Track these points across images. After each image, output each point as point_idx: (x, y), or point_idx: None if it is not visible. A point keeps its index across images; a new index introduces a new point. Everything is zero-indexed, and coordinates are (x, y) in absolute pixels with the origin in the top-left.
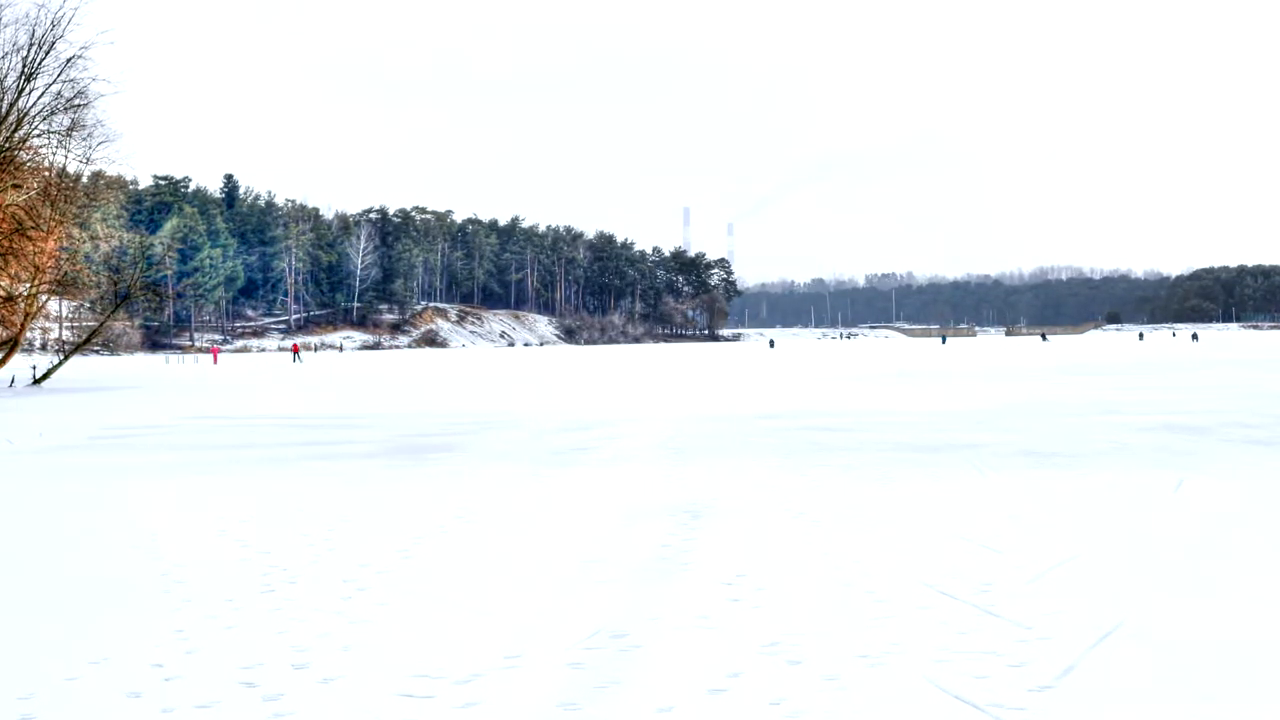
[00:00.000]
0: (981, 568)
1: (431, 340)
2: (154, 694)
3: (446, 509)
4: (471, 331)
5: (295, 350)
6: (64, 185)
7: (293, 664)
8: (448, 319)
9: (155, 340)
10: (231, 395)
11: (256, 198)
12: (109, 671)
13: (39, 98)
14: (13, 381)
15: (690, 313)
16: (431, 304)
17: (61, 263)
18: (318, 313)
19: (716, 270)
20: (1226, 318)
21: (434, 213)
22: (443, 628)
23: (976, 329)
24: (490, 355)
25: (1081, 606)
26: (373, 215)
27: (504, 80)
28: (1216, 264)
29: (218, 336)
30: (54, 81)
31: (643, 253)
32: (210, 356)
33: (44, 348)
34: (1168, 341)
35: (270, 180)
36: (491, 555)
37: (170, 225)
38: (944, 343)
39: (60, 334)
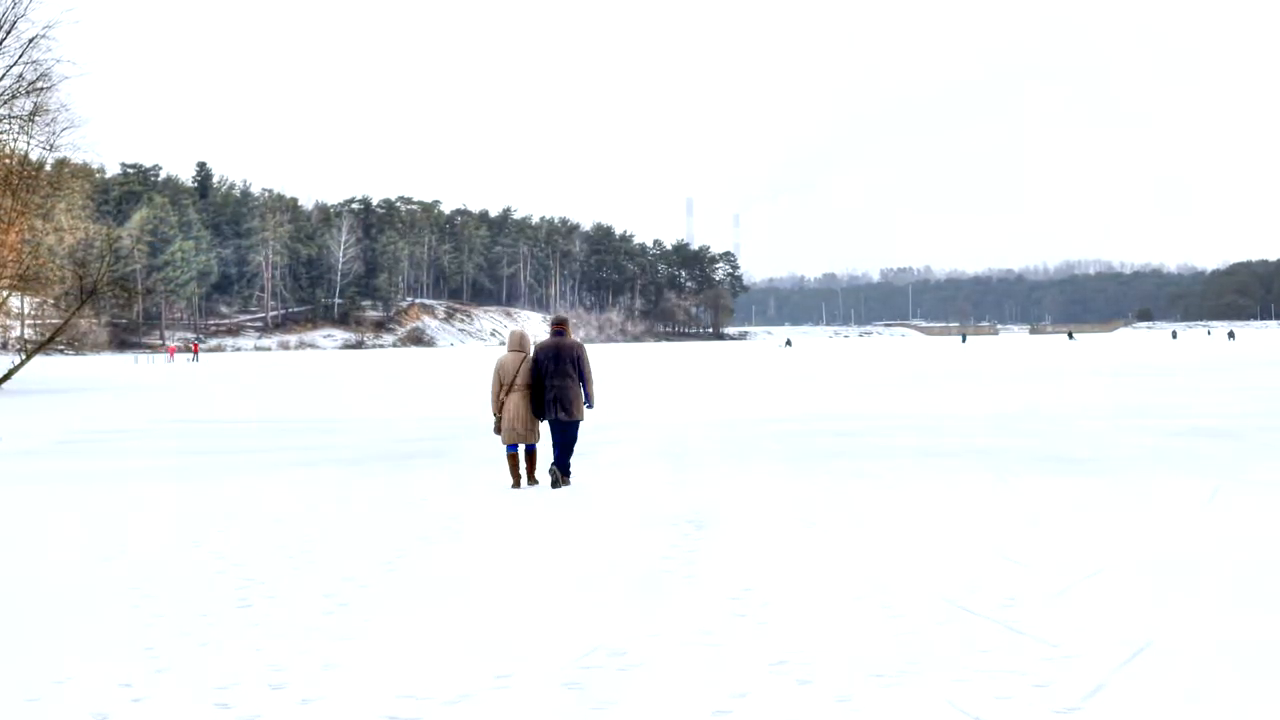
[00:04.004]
0: (1004, 581)
1: (418, 339)
2: (122, 715)
3: (433, 519)
4: (460, 330)
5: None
6: (26, 173)
7: (270, 683)
8: (435, 316)
9: (123, 339)
10: (206, 397)
11: (231, 187)
12: (74, 691)
13: None
14: None
15: (694, 310)
16: (418, 300)
17: (23, 256)
18: (297, 309)
19: (721, 264)
20: (1265, 315)
21: (420, 203)
22: (429, 645)
23: (999, 327)
24: (480, 355)
25: (1110, 623)
26: (355, 206)
27: (495, 62)
28: (1254, 258)
29: (190, 334)
30: (15, 63)
31: (643, 246)
32: (167, 355)
33: (4, 347)
34: (1202, 340)
35: (245, 168)
36: (481, 568)
37: (139, 216)
38: (964, 341)
39: (22, 332)
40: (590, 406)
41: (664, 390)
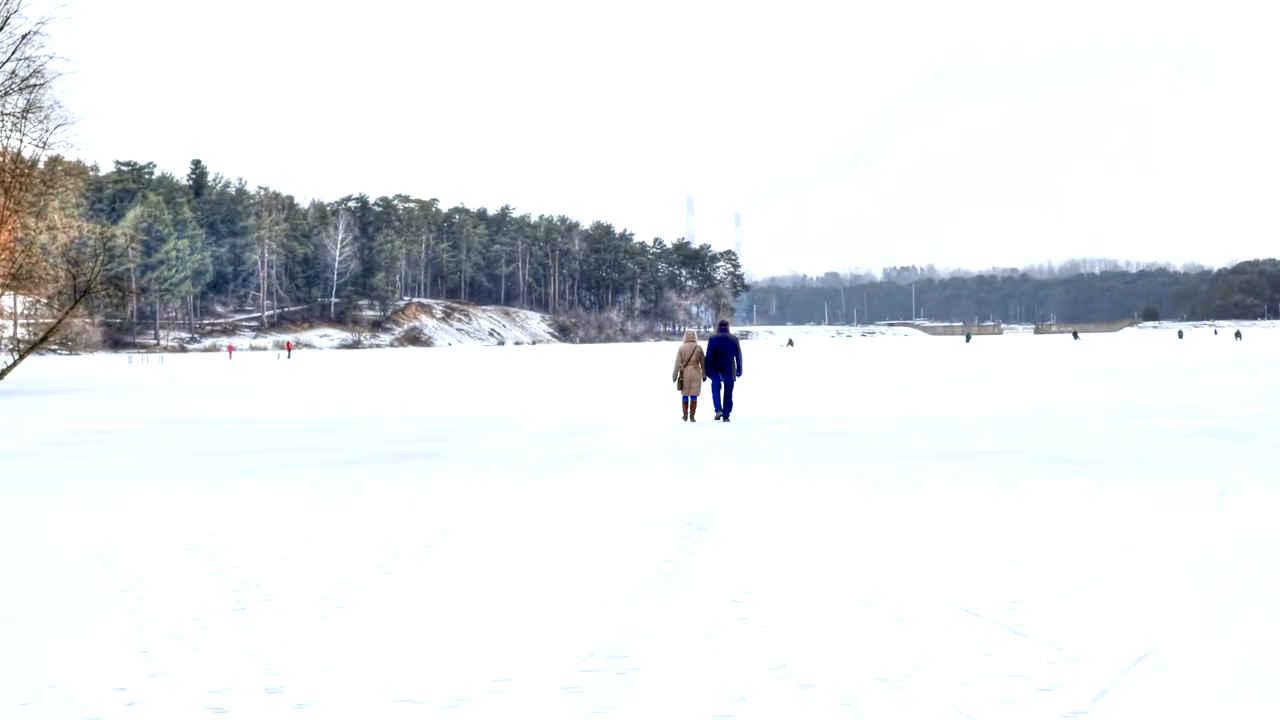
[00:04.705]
0: (1008, 584)
1: (415, 338)
2: None
3: (431, 521)
4: (458, 329)
5: (288, 348)
6: (19, 171)
7: (266, 688)
8: (433, 315)
9: (117, 339)
10: (199, 398)
11: (226, 185)
12: (68, 696)
13: None
14: None
15: (694, 308)
16: (415, 299)
17: (16, 255)
18: (293, 309)
19: (722, 263)
20: (1273, 314)
21: (418, 201)
22: (427, 649)
23: (1003, 326)
24: (478, 355)
25: (1116, 626)
26: (351, 204)
27: (492, 58)
28: (1261, 256)
29: (185, 334)
30: (8, 60)
31: (643, 244)
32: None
33: None
34: (1209, 340)
35: (241, 166)
36: (479, 570)
37: (133, 214)
38: (968, 341)
39: (14, 332)
40: (740, 374)
41: (664, 390)
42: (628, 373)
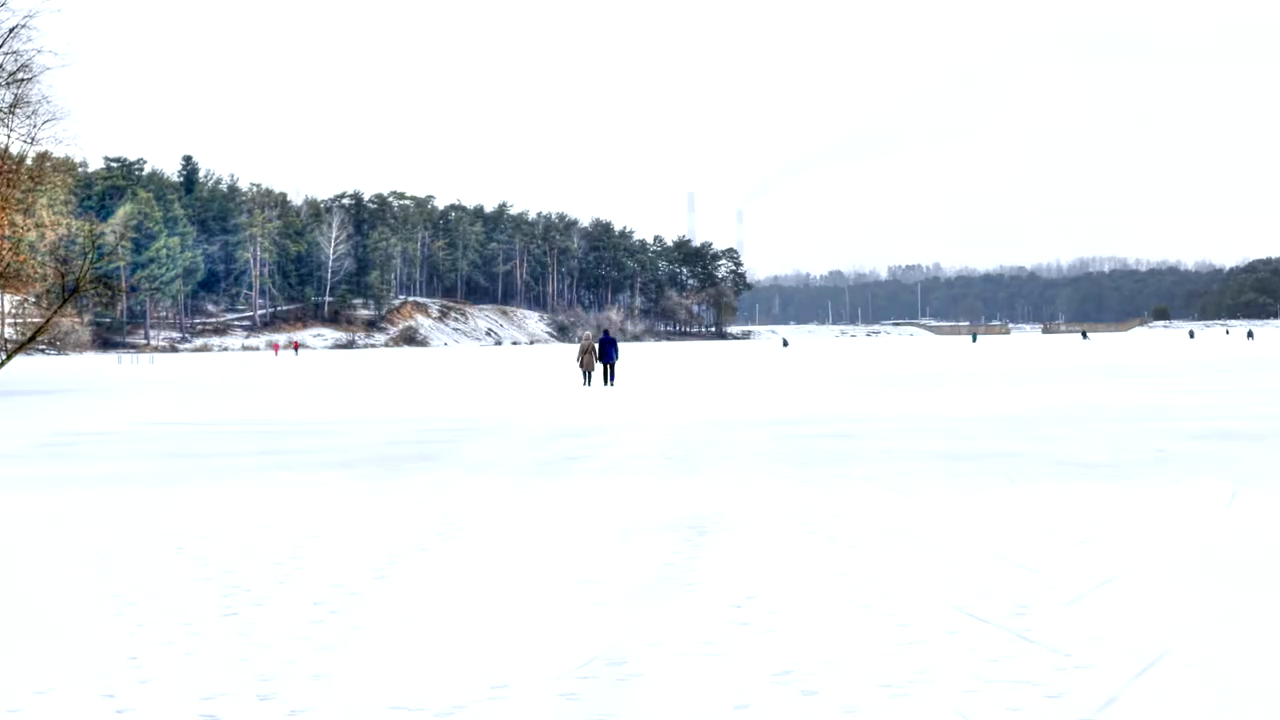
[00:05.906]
0: (1015, 589)
1: (410, 338)
2: None
3: (426, 524)
4: (454, 329)
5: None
6: (6, 167)
7: (258, 694)
8: (428, 315)
9: (107, 338)
10: (190, 399)
11: (218, 181)
12: (55, 703)
13: None
14: None
15: (695, 308)
16: (410, 298)
17: (3, 253)
18: (285, 308)
19: (724, 261)
20: None
21: (413, 198)
22: (422, 655)
23: (1010, 326)
24: (475, 355)
25: (1125, 632)
26: (346, 201)
27: (489, 52)
28: (1274, 254)
29: (175, 334)
30: None
31: (643, 242)
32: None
33: None
34: (1220, 340)
35: (233, 162)
36: (476, 575)
37: (123, 211)
38: (975, 341)
39: (2, 331)
40: (617, 357)
41: (664, 391)
42: (627, 373)
